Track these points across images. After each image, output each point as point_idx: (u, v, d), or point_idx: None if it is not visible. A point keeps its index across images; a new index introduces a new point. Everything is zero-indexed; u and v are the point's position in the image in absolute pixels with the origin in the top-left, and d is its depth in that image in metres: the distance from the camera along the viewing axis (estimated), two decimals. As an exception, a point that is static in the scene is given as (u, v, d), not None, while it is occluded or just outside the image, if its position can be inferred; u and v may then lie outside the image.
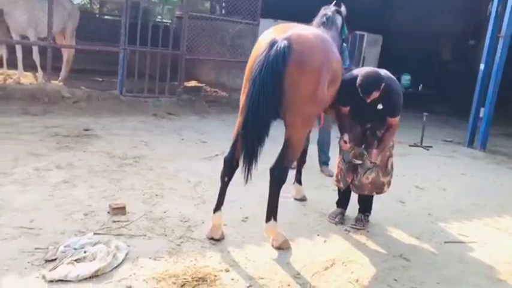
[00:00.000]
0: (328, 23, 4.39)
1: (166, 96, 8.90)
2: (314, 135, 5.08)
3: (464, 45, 13.20)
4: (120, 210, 3.85)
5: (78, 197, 4.14)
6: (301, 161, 4.60)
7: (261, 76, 3.18)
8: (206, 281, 3.00)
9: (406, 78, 13.03)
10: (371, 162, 4.00)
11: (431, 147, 8.08)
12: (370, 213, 4.33)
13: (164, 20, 11.41)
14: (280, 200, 3.56)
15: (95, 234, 3.43)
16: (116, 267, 3.05)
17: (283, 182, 3.45)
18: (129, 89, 8.57)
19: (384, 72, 3.94)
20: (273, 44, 3.21)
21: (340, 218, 4.27)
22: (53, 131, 6.24)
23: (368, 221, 4.29)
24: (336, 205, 4.42)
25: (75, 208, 3.89)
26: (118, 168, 5.03)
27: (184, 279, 2.97)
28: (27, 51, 8.63)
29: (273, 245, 3.58)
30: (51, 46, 8.18)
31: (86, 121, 7.07)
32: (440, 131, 9.75)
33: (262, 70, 3.17)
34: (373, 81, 3.70)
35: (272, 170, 3.40)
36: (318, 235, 3.94)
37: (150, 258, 3.22)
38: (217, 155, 5.94)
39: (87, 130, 6.54)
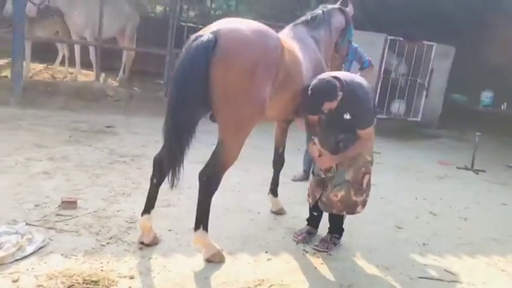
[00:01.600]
0: (312, 22, 4.00)
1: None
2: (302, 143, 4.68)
3: None
4: (69, 204, 3.81)
5: (44, 188, 4.17)
6: (277, 168, 4.23)
7: (180, 74, 2.93)
8: (98, 285, 2.81)
9: (486, 96, 11.85)
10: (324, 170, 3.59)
11: (483, 171, 7.14)
12: (339, 235, 3.85)
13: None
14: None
15: (27, 224, 3.40)
16: (20, 259, 2.97)
17: (213, 189, 3.16)
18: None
19: (348, 77, 3.49)
20: (196, 38, 2.95)
21: (304, 236, 3.84)
22: (75, 126, 6.48)
23: (337, 243, 3.81)
24: (306, 222, 3.99)
25: (31, 198, 3.91)
26: (108, 165, 5.04)
27: (75, 280, 2.81)
28: (85, 51, 9.15)
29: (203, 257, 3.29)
30: (99, 46, 8.55)
31: (115, 119, 7.26)
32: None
33: (181, 68, 2.93)
34: (324, 91, 3.30)
35: (201, 175, 3.13)
36: (266, 252, 3.56)
37: (62, 255, 3.10)
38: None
39: (108, 127, 6.70)
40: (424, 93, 10.30)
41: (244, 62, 2.91)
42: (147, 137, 6.41)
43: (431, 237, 4.29)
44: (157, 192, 3.31)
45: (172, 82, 2.98)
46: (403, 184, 5.93)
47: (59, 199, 3.91)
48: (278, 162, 4.20)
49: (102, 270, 2.97)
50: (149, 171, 4.40)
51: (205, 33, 2.93)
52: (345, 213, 3.71)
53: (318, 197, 3.77)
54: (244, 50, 2.93)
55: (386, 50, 9.90)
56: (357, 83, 3.46)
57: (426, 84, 10.29)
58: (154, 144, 6.08)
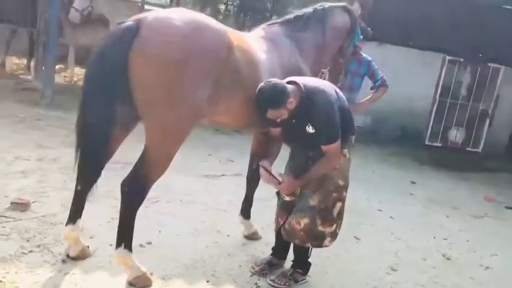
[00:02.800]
0: (296, 22, 3.50)
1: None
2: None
3: None
4: (20, 206, 3.58)
5: (10, 187, 4.00)
6: (250, 186, 3.73)
7: (91, 68, 2.58)
8: (-16, 297, 2.49)
9: None
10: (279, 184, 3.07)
11: (537, 215, 6.05)
12: (304, 270, 3.26)
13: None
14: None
15: (-40, 223, 3.20)
16: None
17: (136, 203, 2.74)
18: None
19: (311, 82, 2.95)
20: (116, 26, 2.58)
21: (263, 268, 3.30)
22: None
23: (299, 280, 3.23)
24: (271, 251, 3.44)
25: (-13, 197, 3.74)
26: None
27: (-38, 288, 2.51)
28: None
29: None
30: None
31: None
32: None
33: (93, 61, 2.57)
34: (267, 96, 2.79)
35: (122, 185, 2.73)
36: (208, 281, 3.07)
37: (-28, 258, 2.83)
38: (223, 175, 5.34)
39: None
40: (487, 121, 9.18)
41: (168, 57, 2.48)
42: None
43: (428, 286, 3.52)
44: (82, 200, 2.94)
45: (84, 79, 2.63)
46: (426, 219, 5.12)
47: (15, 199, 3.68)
48: (252, 179, 3.70)
49: (0, 281, 2.65)
50: None
51: (128, 20, 2.55)
52: (309, 245, 3.11)
53: (281, 223, 3.21)
54: (169, 42, 2.51)
55: (444, 72, 8.97)
56: (320, 90, 2.90)
57: (490, 111, 9.17)
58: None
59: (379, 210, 5.15)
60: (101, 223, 3.58)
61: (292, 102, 2.82)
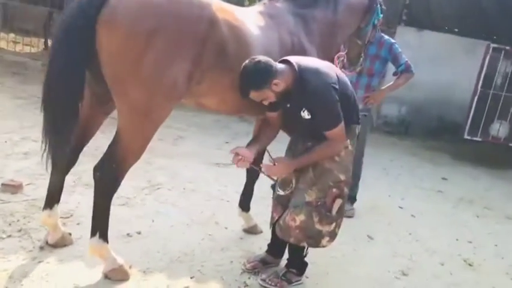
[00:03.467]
0: None
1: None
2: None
3: None
4: (11, 188, 3.49)
5: (8, 168, 3.92)
6: (250, 176, 3.46)
7: (56, 38, 2.37)
8: None
9: None
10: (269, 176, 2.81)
11: None
12: (299, 270, 2.98)
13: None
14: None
15: None
16: None
17: (109, 189, 2.54)
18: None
19: (305, 62, 2.64)
20: None
21: (255, 265, 3.05)
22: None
23: (293, 281, 2.96)
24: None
25: (-18, 177, 3.66)
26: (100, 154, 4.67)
27: None
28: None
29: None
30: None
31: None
32: None
33: (59, 30, 2.36)
34: (249, 75, 2.52)
35: (94, 170, 2.54)
36: (192, 278, 2.84)
37: None
38: (224, 164, 5.08)
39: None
40: (536, 115, 8.50)
41: (135, 27, 2.25)
42: (174, 132, 6.00)
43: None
44: (59, 184, 2.77)
45: (51, 50, 2.43)
46: (452, 219, 4.71)
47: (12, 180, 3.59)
48: (252, 168, 3.41)
49: (-32, 267, 2.52)
50: (138, 166, 4.00)
51: None
52: (305, 244, 2.83)
53: (276, 218, 2.94)
54: (137, 11, 2.27)
55: (487, 61, 8.33)
56: (315, 70, 2.59)
57: (539, 104, 8.48)
58: (173, 139, 5.67)
59: (400, 207, 4.78)
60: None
61: (278, 84, 2.53)
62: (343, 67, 3.77)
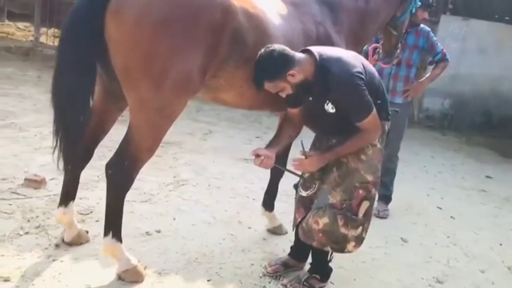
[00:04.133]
0: None
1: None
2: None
3: None
4: (33, 183, 3.47)
5: (35, 163, 3.94)
6: (275, 173, 3.29)
7: (65, 29, 2.28)
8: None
9: None
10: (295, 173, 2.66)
11: None
12: (323, 276, 2.81)
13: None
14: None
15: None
16: None
17: (123, 187, 2.45)
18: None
19: (327, 52, 2.45)
20: None
21: (276, 269, 2.89)
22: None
23: (318, 287, 2.77)
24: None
25: (8, 171, 3.70)
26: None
27: None
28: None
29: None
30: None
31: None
32: None
33: (67, 20, 2.27)
34: (263, 65, 2.36)
35: (106, 167, 2.45)
36: (209, 280, 2.72)
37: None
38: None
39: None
40: None
41: (144, 18, 2.13)
42: (204, 126, 5.92)
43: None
44: (74, 181, 2.71)
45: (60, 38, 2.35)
46: (496, 222, 4.40)
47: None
48: (280, 161, 3.24)
49: (-18, 264, 2.49)
50: (166, 160, 3.89)
51: None
52: (329, 248, 2.64)
53: (298, 220, 2.77)
54: (147, 0, 2.14)
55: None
56: (339, 59, 2.40)
57: None
58: (202, 133, 5.58)
59: (439, 208, 4.50)
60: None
61: (294, 74, 2.35)
62: (378, 59, 3.57)
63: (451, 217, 4.31)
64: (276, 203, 3.39)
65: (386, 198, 4.15)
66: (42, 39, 9.37)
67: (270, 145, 2.64)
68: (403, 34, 3.52)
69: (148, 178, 3.97)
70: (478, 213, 4.53)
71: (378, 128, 2.49)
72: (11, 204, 3.17)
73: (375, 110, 2.43)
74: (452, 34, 7.95)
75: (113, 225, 2.52)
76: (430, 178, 5.45)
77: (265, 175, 3.37)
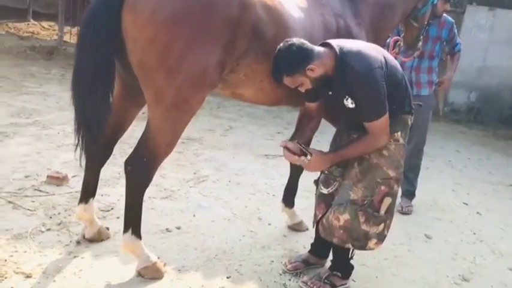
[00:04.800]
0: None
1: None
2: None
3: None
4: (55, 180, 3.51)
5: (58, 160, 3.99)
6: (295, 169, 3.24)
7: (83, 26, 2.28)
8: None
9: None
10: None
11: None
12: (344, 274, 2.75)
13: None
14: None
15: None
16: None
17: (142, 183, 2.44)
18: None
19: (348, 45, 2.39)
20: None
21: (296, 266, 2.86)
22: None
23: (337, 285, 2.72)
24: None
25: (31, 168, 3.75)
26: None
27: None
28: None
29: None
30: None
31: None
32: None
33: (86, 18, 2.26)
34: (282, 59, 2.31)
35: (125, 164, 2.45)
36: (228, 277, 2.70)
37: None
38: (272, 156, 4.86)
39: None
40: None
41: (160, 14, 2.12)
42: (225, 123, 5.91)
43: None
44: (94, 178, 2.72)
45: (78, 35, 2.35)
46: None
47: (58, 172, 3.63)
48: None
49: (5, 260, 2.52)
50: (188, 157, 3.86)
51: None
52: (350, 245, 2.59)
53: (319, 216, 2.72)
54: None
55: None
56: (359, 53, 2.33)
57: None
58: (223, 129, 5.56)
59: (465, 203, 4.38)
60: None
61: (314, 69, 2.30)
62: (399, 52, 3.49)
63: (478, 213, 4.20)
64: (296, 199, 3.34)
65: (410, 194, 4.06)
66: (66, 38, 9.49)
67: (293, 138, 2.60)
68: (424, 26, 3.43)
69: (169, 174, 3.98)
70: (506, 209, 4.39)
71: (386, 134, 2.40)
72: (33, 201, 3.21)
73: (387, 114, 2.35)
74: (478, 25, 7.74)
75: (133, 222, 2.51)
76: (455, 173, 5.33)
77: (286, 171, 3.33)
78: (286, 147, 2.51)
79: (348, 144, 2.48)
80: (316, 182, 2.81)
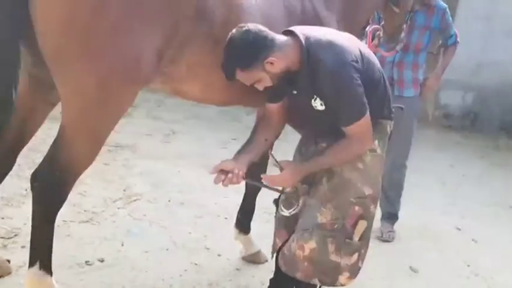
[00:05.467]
0: None
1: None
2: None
3: None
4: None
5: None
6: (250, 188, 3.30)
7: None
8: None
9: None
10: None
11: None
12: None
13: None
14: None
15: None
16: None
17: (53, 203, 2.38)
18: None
19: (315, 34, 2.43)
20: None
21: (250, 308, 2.85)
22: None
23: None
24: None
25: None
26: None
27: None
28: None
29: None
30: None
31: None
32: None
33: None
34: (234, 50, 2.33)
35: (32, 178, 2.41)
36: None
37: None
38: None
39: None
40: None
41: None
42: (165, 125, 5.89)
43: None
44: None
45: None
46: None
47: None
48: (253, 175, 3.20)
49: None
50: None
51: None
52: (317, 281, 2.62)
53: (280, 245, 2.75)
54: None
55: None
56: (329, 44, 2.38)
57: None
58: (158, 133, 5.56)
59: (458, 229, 4.55)
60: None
61: (274, 62, 2.33)
62: (379, 45, 3.57)
63: (473, 240, 4.36)
64: (253, 224, 3.39)
65: (391, 217, 4.17)
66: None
67: (240, 153, 2.60)
68: (408, 12, 3.52)
69: (90, 192, 3.95)
70: (506, 237, 4.56)
71: (368, 137, 2.46)
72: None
73: (368, 114, 2.40)
74: (476, 14, 8.05)
75: (41, 252, 2.45)
76: (447, 192, 5.51)
77: (243, 188, 3.36)
78: (221, 170, 2.49)
79: (323, 152, 2.51)
80: (276, 202, 2.83)
